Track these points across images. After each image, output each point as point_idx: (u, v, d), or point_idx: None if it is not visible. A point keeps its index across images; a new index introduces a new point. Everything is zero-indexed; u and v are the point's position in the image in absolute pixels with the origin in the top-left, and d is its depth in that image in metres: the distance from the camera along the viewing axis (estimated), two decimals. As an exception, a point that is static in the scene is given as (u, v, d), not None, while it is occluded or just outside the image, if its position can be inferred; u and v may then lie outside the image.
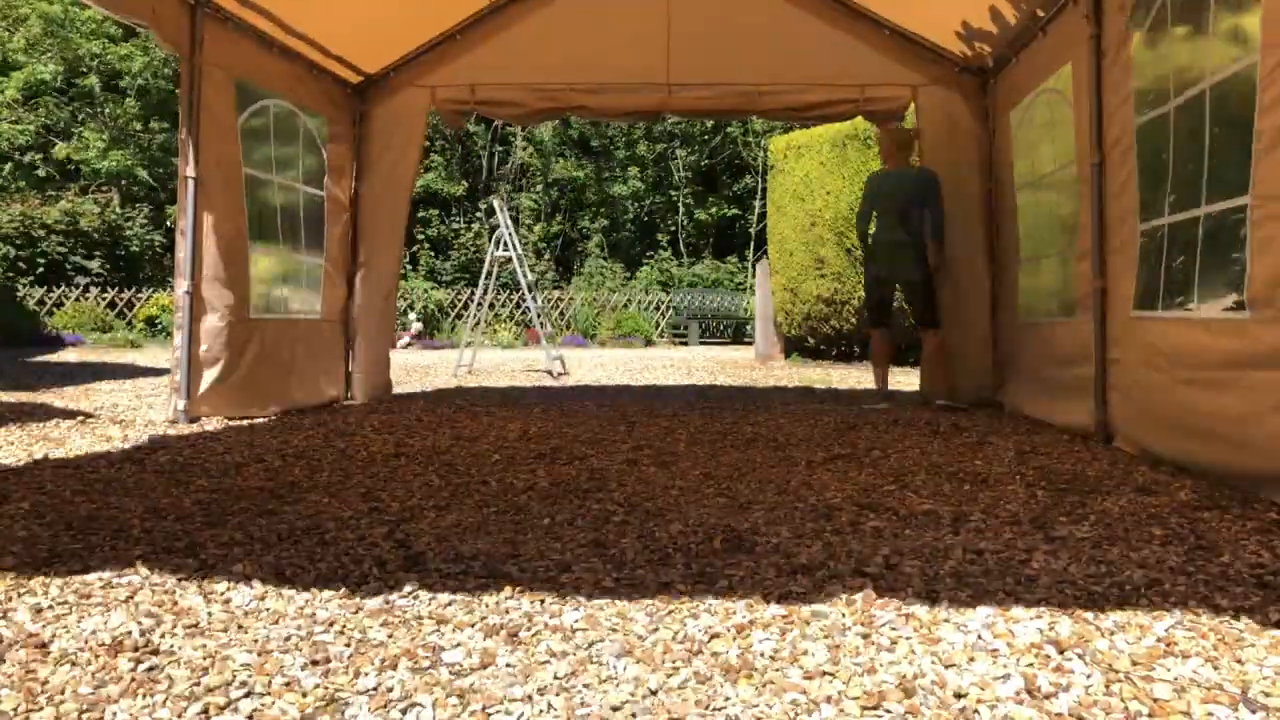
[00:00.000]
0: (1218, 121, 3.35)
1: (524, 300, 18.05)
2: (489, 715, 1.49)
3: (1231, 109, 3.24)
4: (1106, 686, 1.56)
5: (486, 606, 1.99)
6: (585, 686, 1.59)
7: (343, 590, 2.09)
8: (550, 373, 9.49)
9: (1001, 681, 1.59)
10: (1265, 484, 2.96)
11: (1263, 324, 2.98)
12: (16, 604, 1.97)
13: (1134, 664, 1.64)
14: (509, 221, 9.96)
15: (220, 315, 5.00)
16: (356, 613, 1.95)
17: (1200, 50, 3.48)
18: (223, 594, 2.06)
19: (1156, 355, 3.76)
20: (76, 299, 17.65)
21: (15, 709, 1.48)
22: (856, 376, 9.15)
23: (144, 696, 1.55)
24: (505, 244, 9.84)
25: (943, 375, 6.05)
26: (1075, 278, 4.65)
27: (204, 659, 1.70)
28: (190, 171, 4.82)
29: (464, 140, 24.55)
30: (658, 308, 20.76)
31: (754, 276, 17.31)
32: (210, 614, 1.93)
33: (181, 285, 4.83)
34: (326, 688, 1.59)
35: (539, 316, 10.35)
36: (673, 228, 24.64)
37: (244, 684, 1.59)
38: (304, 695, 1.56)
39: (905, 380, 8.57)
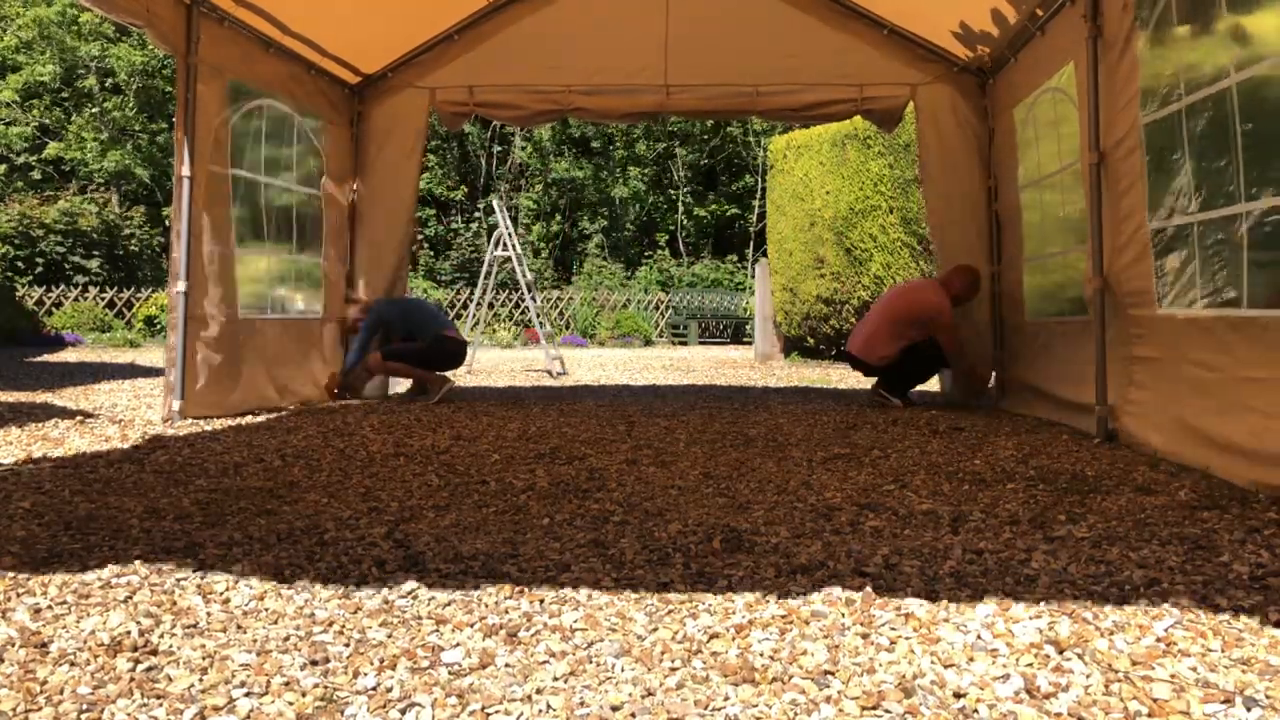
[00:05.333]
0: (1246, 118, 3.26)
1: (523, 300, 18.05)
2: (488, 715, 1.49)
3: (1257, 106, 3.17)
4: (1106, 686, 1.56)
5: (486, 606, 1.98)
6: (585, 686, 1.59)
7: (342, 590, 2.08)
8: (550, 372, 9.49)
9: (1001, 681, 1.58)
10: None
11: None
12: (15, 604, 1.97)
13: (1133, 664, 1.64)
14: (508, 221, 9.96)
15: (211, 315, 5.00)
16: (355, 613, 1.95)
17: (1214, 47, 3.43)
18: (222, 594, 2.06)
19: (1187, 354, 3.60)
20: (75, 299, 17.64)
21: (14, 709, 1.48)
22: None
23: (143, 696, 1.54)
24: (504, 243, 9.84)
25: None
26: (1081, 276, 4.62)
27: (203, 659, 1.70)
28: (185, 171, 4.81)
29: (461, 140, 24.54)
30: (657, 307, 20.76)
31: (753, 276, 17.32)
32: (209, 614, 1.93)
33: (176, 285, 4.82)
34: (325, 688, 1.58)
35: (538, 316, 10.34)
36: (671, 227, 24.64)
37: (243, 684, 1.59)
38: (303, 695, 1.55)
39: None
